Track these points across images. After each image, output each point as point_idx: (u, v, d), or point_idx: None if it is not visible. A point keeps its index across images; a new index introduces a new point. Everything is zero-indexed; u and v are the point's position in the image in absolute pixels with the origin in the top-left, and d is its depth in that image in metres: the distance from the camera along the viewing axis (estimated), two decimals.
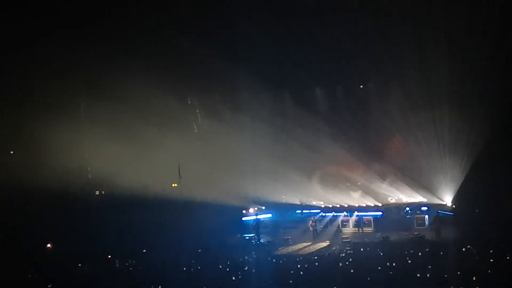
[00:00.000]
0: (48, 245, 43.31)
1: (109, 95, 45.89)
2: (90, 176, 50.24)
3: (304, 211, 51.51)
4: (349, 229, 48.78)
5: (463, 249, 34.17)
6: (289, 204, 52.24)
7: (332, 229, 48.95)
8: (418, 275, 28.18)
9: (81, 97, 47.63)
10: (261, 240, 47.17)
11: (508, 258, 30.56)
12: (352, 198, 50.71)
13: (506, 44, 40.64)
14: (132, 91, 46.48)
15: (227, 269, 33.96)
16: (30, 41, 43.23)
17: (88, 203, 49.84)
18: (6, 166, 46.29)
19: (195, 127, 53.63)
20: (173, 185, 50.43)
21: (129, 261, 38.03)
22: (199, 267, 35.16)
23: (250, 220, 50.59)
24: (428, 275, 28.18)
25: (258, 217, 49.49)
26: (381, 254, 36.16)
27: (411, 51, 43.38)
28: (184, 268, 34.56)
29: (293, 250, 43.06)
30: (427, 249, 35.89)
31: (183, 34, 45.12)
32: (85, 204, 49.10)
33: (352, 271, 31.26)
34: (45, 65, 43.65)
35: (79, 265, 36.99)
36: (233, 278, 31.20)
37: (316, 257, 37.26)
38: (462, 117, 44.62)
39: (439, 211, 45.46)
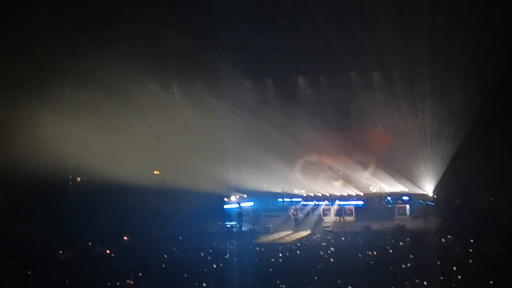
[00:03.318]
0: (31, 231, 43.15)
1: (91, 82, 45.75)
2: (71, 162, 50.03)
3: (285, 199, 51.53)
4: (331, 218, 48.89)
5: (443, 239, 34.40)
6: (270, 192, 52.19)
7: (313, 218, 49.06)
8: (403, 265, 28.34)
9: (62, 83, 47.32)
10: (243, 228, 47.23)
11: (487, 248, 30.83)
12: (334, 187, 50.84)
13: (488, 32, 40.68)
14: (114, 78, 46.36)
15: (208, 257, 33.99)
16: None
17: (69, 189, 49.67)
18: None
19: (176, 115, 53.34)
20: (155, 172, 50.34)
21: (110, 247, 37.89)
22: (180, 255, 35.17)
23: (232, 208, 50.64)
24: (408, 265, 28.34)
25: (241, 205, 49.55)
26: (362, 243, 36.33)
27: (393, 40, 43.40)
28: (165, 255, 34.55)
29: (274, 238, 43.11)
30: (408, 239, 36.08)
31: (164, 21, 44.93)
32: (66, 190, 48.93)
33: (331, 260, 31.46)
34: (24, 50, 43.41)
35: (60, 251, 36.81)
36: (214, 266, 31.24)
37: (297, 246, 37.37)
38: (444, 107, 44.76)
39: (425, 201, 46.06)
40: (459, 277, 25.08)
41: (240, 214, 48.23)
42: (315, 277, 27.06)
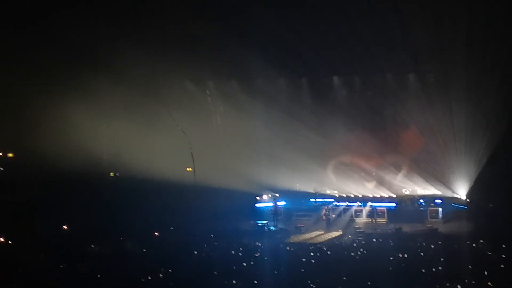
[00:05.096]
0: (64, 224, 43.50)
1: (126, 78, 46.03)
2: (105, 158, 50.44)
3: (317, 199, 51.40)
4: (362, 219, 48.74)
5: (475, 244, 34.09)
6: (302, 192, 52.10)
7: (345, 218, 49.00)
8: (433, 268, 28.17)
9: (99, 79, 47.63)
10: (272, 228, 47.27)
11: None
12: (366, 188, 50.62)
13: None
14: (149, 74, 46.67)
15: (240, 254, 34.05)
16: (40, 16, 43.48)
17: (102, 185, 50.01)
18: (23, 144, 46.59)
19: (210, 113, 53.43)
20: (187, 169, 50.45)
21: (141, 243, 38.04)
22: (211, 252, 35.25)
23: (264, 207, 50.70)
24: (440, 268, 28.15)
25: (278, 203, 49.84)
26: (393, 245, 36.18)
27: (429, 41, 43.18)
28: (196, 252, 34.64)
29: (305, 238, 43.09)
30: (440, 242, 35.85)
31: (201, 19, 45.12)
32: (99, 185, 49.25)
33: (362, 261, 31.35)
34: (61, 48, 43.89)
35: (92, 245, 37.08)
36: (244, 264, 31.25)
37: (328, 246, 37.29)
38: (479, 109, 44.37)
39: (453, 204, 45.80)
40: (489, 283, 24.82)
41: (275, 213, 48.41)
42: (345, 278, 26.99)
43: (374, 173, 51.17)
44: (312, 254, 33.78)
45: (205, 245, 37.19)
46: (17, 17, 43.05)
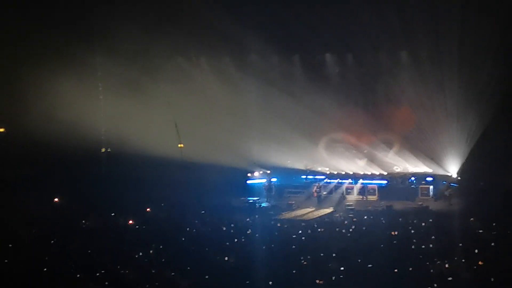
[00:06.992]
0: (55, 199, 43.45)
1: (118, 54, 45.91)
2: (97, 133, 50.32)
3: (309, 176, 51.36)
4: (353, 197, 48.69)
5: (466, 222, 34.18)
6: (294, 169, 52.05)
7: (336, 196, 48.88)
8: (423, 246, 28.29)
9: (92, 53, 47.47)
10: (263, 204, 47.38)
11: (510, 231, 30.59)
12: (358, 165, 50.58)
13: None
14: (142, 50, 46.53)
15: (231, 231, 34.10)
16: None
17: (94, 160, 49.92)
18: (14, 118, 46.48)
19: (203, 89, 53.21)
20: (179, 145, 50.39)
21: (133, 219, 38.04)
22: (202, 228, 35.27)
23: (255, 183, 50.75)
24: (430, 246, 28.25)
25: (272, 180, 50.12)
26: (384, 222, 36.28)
27: (421, 18, 43.13)
28: (187, 228, 34.68)
29: (296, 215, 43.14)
30: (430, 220, 35.94)
31: None
32: (91, 160, 49.16)
33: (353, 238, 31.42)
34: (57, 19, 43.73)
35: (83, 221, 37.09)
36: (236, 240, 31.32)
37: (319, 223, 37.36)
38: (471, 87, 44.36)
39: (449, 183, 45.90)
40: (480, 263, 24.89)
41: (269, 189, 48.68)
42: (336, 255, 27.07)
43: (365, 151, 51.06)
44: (303, 231, 33.87)
45: (196, 221, 37.25)
46: None
